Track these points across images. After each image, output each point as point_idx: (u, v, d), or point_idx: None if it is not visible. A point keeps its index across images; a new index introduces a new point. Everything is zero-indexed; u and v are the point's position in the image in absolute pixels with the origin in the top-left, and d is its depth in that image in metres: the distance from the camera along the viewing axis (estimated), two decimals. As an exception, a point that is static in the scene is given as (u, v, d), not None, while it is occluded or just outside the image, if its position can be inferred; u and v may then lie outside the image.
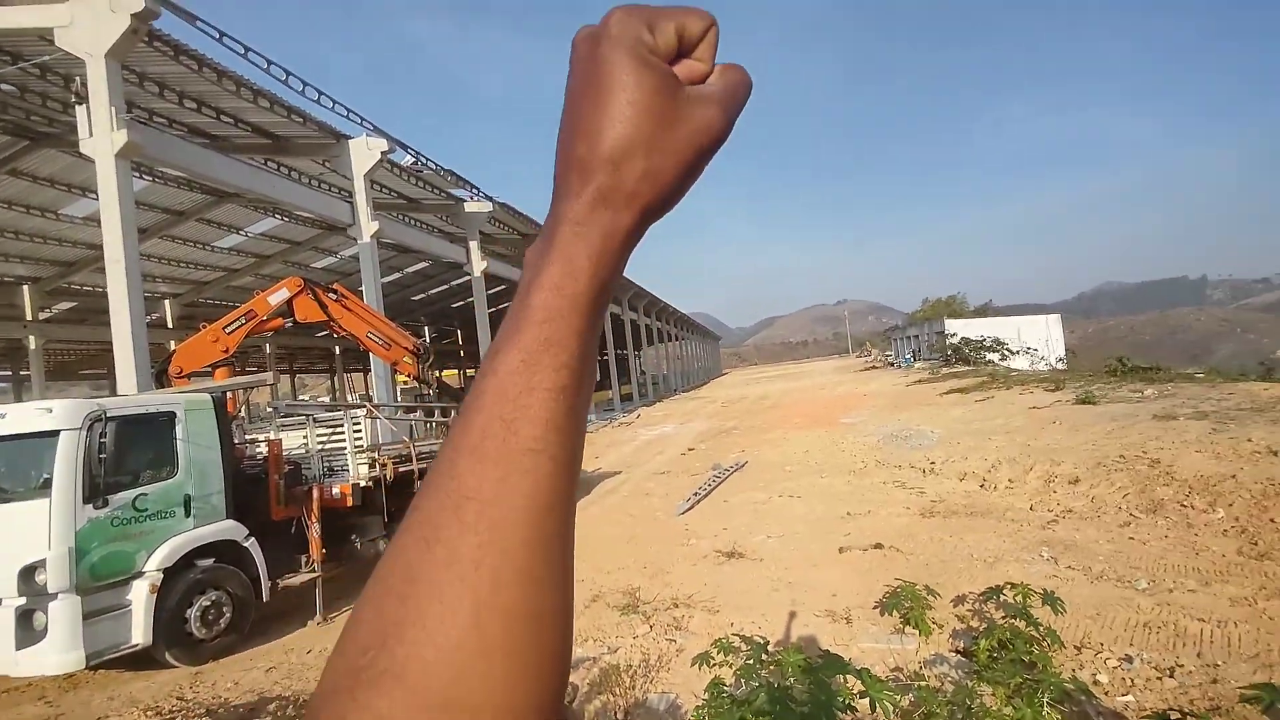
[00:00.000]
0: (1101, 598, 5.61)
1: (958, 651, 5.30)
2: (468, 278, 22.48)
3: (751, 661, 3.30)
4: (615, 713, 4.63)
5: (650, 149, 0.36)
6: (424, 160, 16.71)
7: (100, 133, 8.68)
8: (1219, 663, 4.40)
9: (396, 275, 27.67)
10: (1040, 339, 41.19)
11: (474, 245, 20.35)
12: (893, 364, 53.40)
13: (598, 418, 30.02)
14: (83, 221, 17.17)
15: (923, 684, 4.14)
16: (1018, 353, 37.08)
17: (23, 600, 5.01)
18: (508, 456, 0.33)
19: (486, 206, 20.06)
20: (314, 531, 7.14)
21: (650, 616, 6.30)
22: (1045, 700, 3.26)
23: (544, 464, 0.33)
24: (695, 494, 11.50)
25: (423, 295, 33.11)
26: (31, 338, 20.05)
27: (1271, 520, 6.89)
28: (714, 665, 3.67)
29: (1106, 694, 4.21)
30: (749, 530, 9.10)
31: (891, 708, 2.38)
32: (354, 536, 8.03)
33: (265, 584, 6.71)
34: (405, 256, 25.31)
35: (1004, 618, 5.10)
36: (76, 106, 9.05)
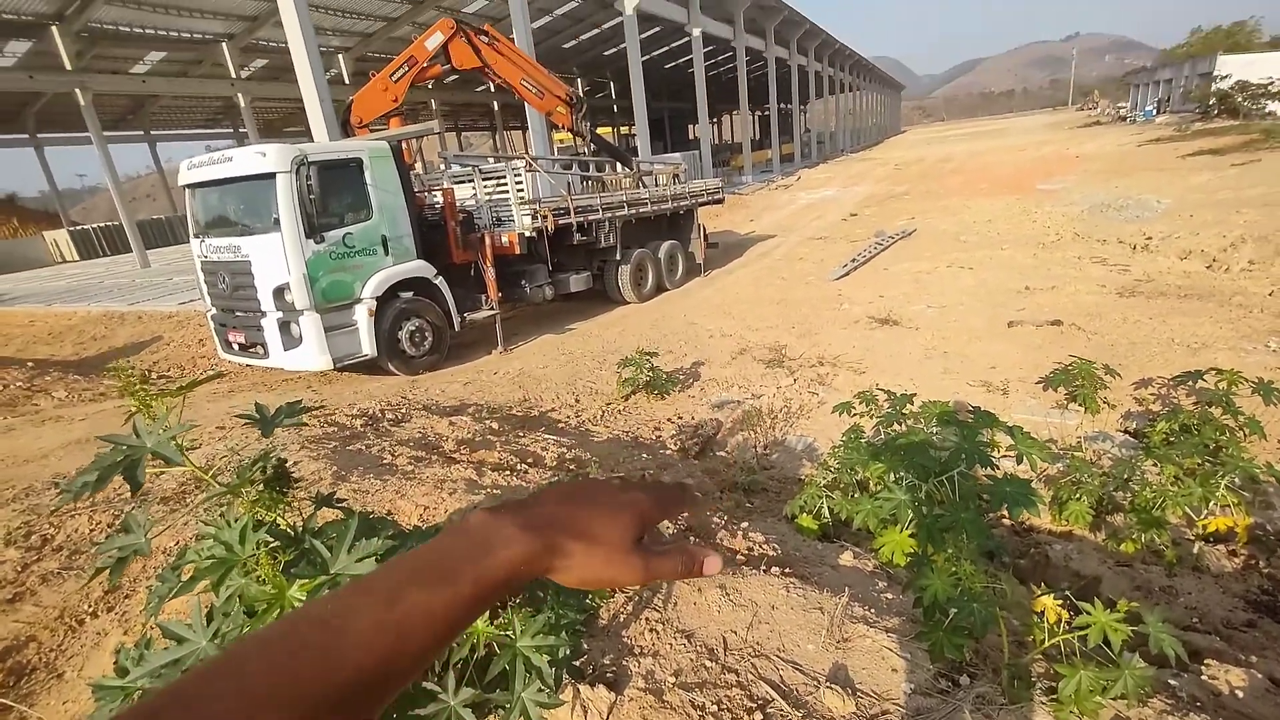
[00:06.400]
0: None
1: (1126, 432, 4.99)
2: (619, 18, 20.53)
3: (893, 411, 3.33)
4: (755, 446, 5.09)
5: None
6: None
7: None
8: None
9: (546, 20, 25.98)
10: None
11: (625, -24, 18.19)
12: (1124, 118, 43.59)
13: (753, 179, 28.44)
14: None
15: (1077, 454, 4.00)
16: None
17: (280, 314, 6.31)
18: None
19: (639, -77, 17.39)
20: (489, 274, 8.09)
21: (795, 372, 6.52)
22: (1224, 484, 3.01)
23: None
24: (853, 260, 10.99)
25: (574, 42, 31.15)
26: (240, 95, 22.23)
27: None
28: (854, 415, 3.76)
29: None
30: (907, 299, 8.69)
31: (1039, 462, 2.32)
32: (523, 282, 8.87)
33: (455, 316, 7.83)
34: (553, -6, 23.42)
35: (1196, 403, 4.62)
36: None
